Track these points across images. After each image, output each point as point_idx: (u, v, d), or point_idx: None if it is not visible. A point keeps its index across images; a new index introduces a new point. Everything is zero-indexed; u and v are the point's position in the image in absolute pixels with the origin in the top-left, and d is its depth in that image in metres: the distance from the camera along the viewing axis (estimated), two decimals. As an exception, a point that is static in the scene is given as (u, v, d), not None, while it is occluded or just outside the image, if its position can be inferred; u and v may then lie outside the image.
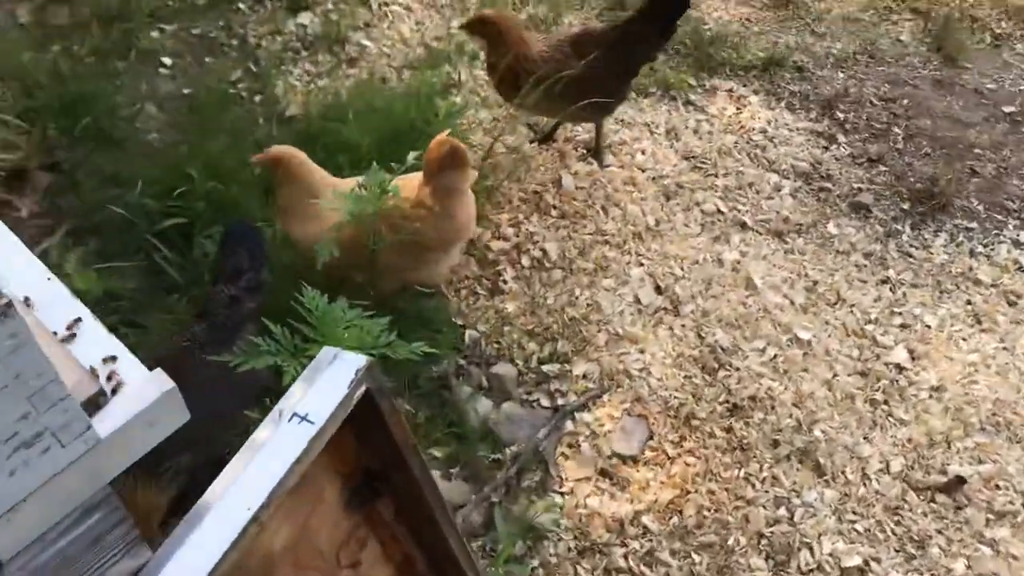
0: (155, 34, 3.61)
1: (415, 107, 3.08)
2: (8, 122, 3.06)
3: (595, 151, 3.14)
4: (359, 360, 1.49)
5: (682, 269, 2.81)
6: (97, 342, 1.21)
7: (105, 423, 1.13)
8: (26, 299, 1.24)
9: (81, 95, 3.12)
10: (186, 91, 3.37)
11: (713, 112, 3.40)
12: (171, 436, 1.22)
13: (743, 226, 2.99)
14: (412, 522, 1.77)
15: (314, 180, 2.36)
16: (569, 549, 2.26)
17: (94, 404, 1.14)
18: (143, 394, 1.17)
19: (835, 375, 2.59)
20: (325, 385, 1.47)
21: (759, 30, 3.91)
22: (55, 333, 1.21)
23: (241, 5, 3.79)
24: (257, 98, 3.39)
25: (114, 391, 1.17)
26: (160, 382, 1.18)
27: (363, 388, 1.48)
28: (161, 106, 3.33)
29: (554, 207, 2.96)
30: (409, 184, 2.32)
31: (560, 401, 2.52)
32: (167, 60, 3.53)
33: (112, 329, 2.58)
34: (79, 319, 1.24)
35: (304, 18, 3.71)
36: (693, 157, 3.20)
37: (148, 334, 2.48)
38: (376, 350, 1.91)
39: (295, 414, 1.43)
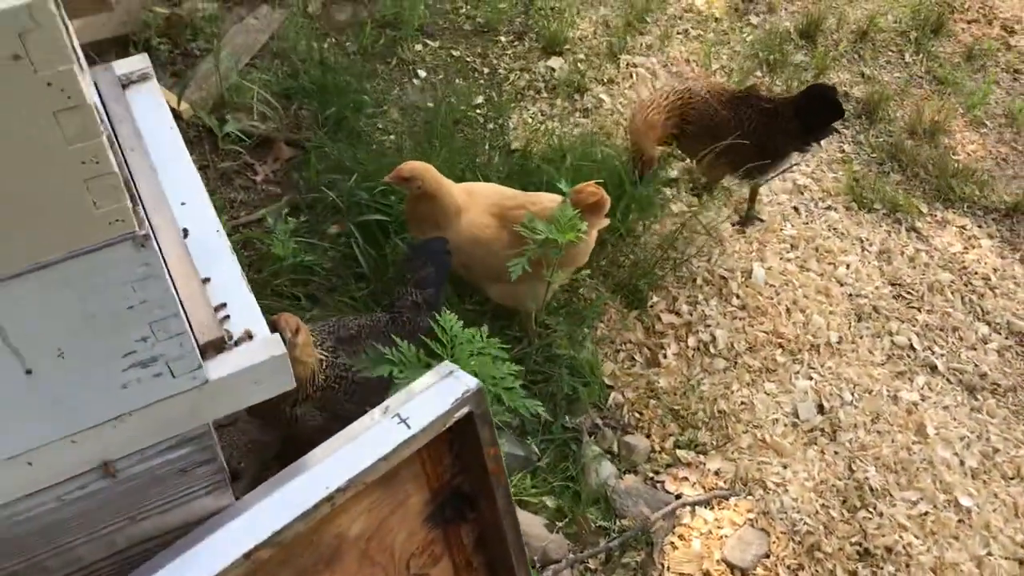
0: (418, 47, 3.86)
1: (627, 169, 3.10)
2: (269, 98, 3.37)
3: (745, 212, 3.14)
4: (471, 382, 1.53)
5: (852, 395, 2.65)
6: (235, 295, 1.30)
7: (217, 368, 1.22)
8: (184, 231, 1.36)
9: (337, 86, 3.39)
10: (430, 104, 3.57)
11: (936, 245, 3.19)
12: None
13: (933, 369, 2.77)
14: (489, 556, 1.77)
15: (447, 199, 2.44)
16: (649, 639, 2.17)
17: (213, 348, 1.23)
18: (258, 353, 1.25)
19: (989, 553, 2.34)
20: (432, 396, 1.51)
21: (1014, 173, 3.63)
22: (203, 278, 1.32)
23: (502, 39, 3.99)
24: (490, 125, 3.54)
25: (236, 342, 1.26)
26: (275, 347, 1.26)
27: (466, 410, 1.51)
28: (404, 112, 3.55)
29: (737, 296, 2.88)
30: (539, 204, 2.37)
31: (685, 490, 2.44)
32: (422, 72, 3.76)
33: (295, 299, 2.78)
34: (226, 270, 1.34)
35: (555, 62, 3.84)
36: (900, 285, 3.02)
37: (325, 310, 2.65)
38: (494, 388, 1.93)
39: (397, 415, 1.49)
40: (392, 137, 3.40)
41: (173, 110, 3.10)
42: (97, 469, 1.21)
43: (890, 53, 3.98)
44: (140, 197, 1.34)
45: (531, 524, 2.30)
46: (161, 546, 1.32)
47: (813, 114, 2.78)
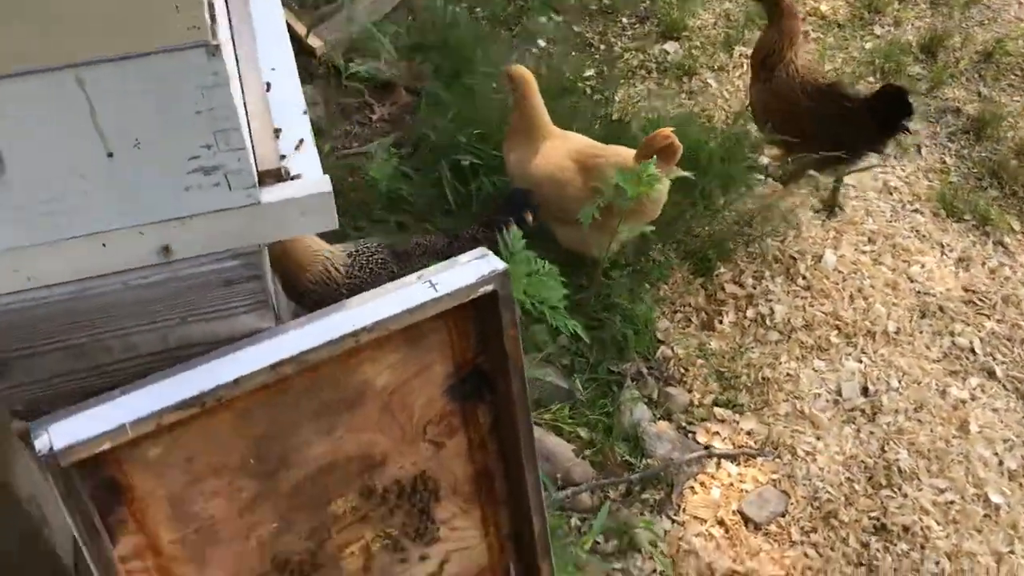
0: (543, 19, 4.04)
1: (723, 154, 3.17)
2: (395, 50, 3.61)
3: (827, 201, 3.18)
4: (499, 265, 1.67)
5: (899, 383, 2.65)
6: (300, 142, 1.49)
7: (271, 194, 1.40)
8: (267, 84, 1.55)
9: (459, 43, 3.60)
10: (543, 72, 3.74)
11: (1022, 262, 3.13)
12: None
13: (990, 374, 2.74)
14: (502, 442, 1.91)
15: (537, 112, 2.58)
16: (654, 571, 2.26)
17: (270, 177, 1.42)
18: (308, 188, 1.43)
19: (1012, 551, 2.31)
20: (463, 269, 1.66)
21: None
22: (275, 128, 1.51)
23: (624, 20, 4.12)
24: (596, 96, 3.68)
25: (291, 178, 1.44)
26: (325, 185, 1.43)
27: (491, 287, 1.65)
28: (516, 75, 3.73)
29: (803, 276, 2.92)
30: (619, 156, 2.49)
31: (715, 443, 2.51)
32: (541, 42, 3.93)
33: (384, 222, 2.97)
34: (298, 131, 1.51)
35: (670, 46, 3.94)
36: (973, 291, 2.98)
37: (402, 231, 2.85)
38: (540, 306, 2.06)
39: (429, 280, 1.64)
40: (500, 96, 3.58)
41: (301, 42, 3.39)
42: (158, 265, 1.41)
43: (1013, 77, 3.89)
44: (233, 38, 1.55)
45: (561, 447, 2.43)
46: (204, 352, 1.52)
47: (885, 113, 2.80)
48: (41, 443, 1.34)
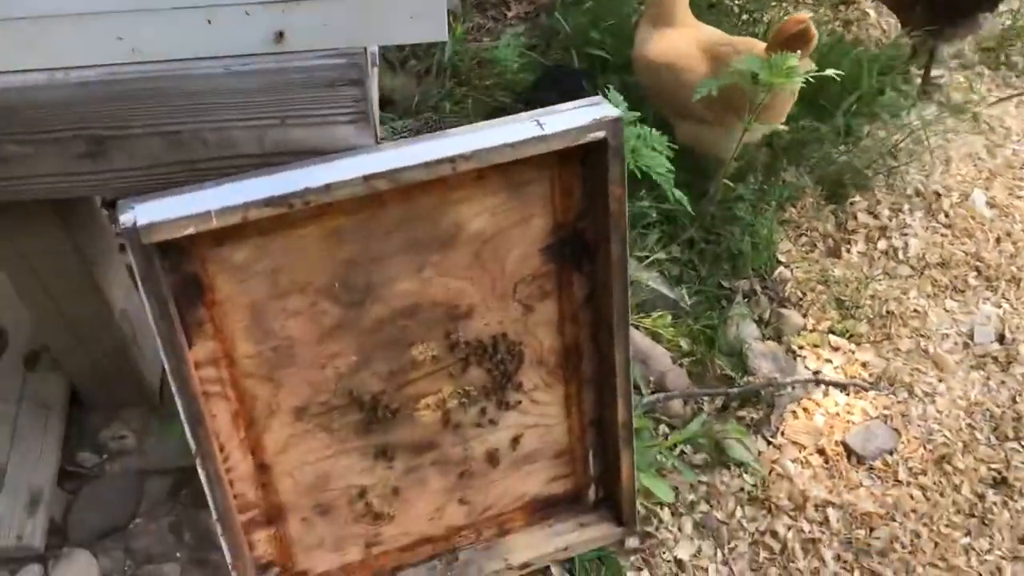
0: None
1: (875, 81, 2.94)
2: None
3: (923, 80, 3.08)
4: (613, 112, 1.56)
5: (1042, 334, 2.42)
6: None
7: (380, -5, 1.34)
8: None
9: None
10: None
11: None
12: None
13: None
14: (594, 318, 1.81)
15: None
16: (742, 489, 2.14)
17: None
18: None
19: None
20: (574, 113, 1.57)
21: None
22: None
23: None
24: (744, 16, 3.47)
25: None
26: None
27: (602, 134, 1.55)
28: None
29: (945, 214, 2.68)
30: (747, 45, 2.36)
31: (825, 370, 2.35)
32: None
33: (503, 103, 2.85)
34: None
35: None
36: None
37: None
38: (647, 169, 1.94)
39: (536, 120, 1.55)
40: (642, 7, 3.43)
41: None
42: (264, 55, 1.37)
43: None
44: None
45: (657, 351, 2.32)
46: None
47: None
48: (126, 218, 1.32)
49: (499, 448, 1.89)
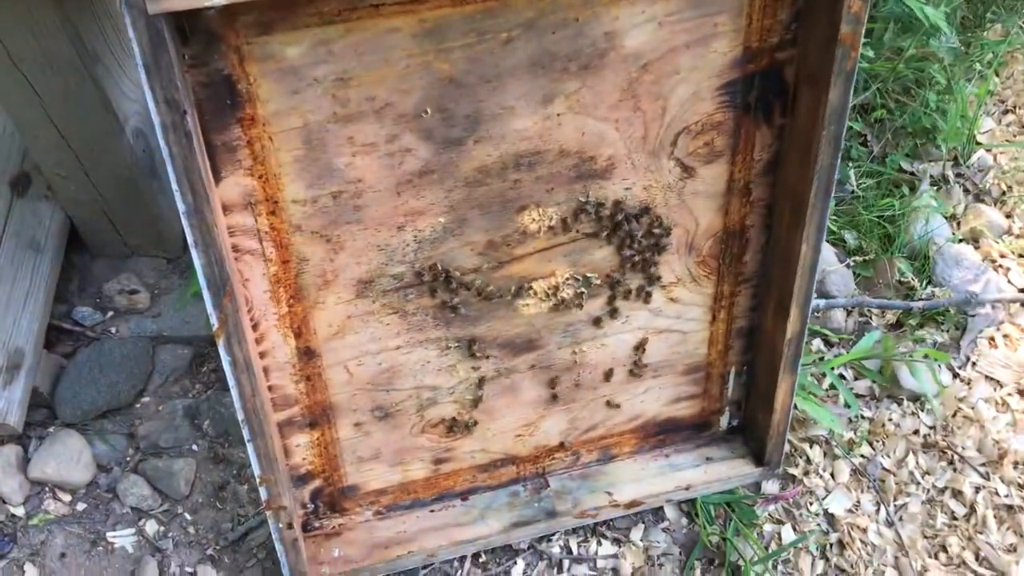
0: None
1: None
2: None
3: None
4: None
5: None
6: None
7: None
8: None
9: None
10: None
11: None
12: None
13: None
14: (775, 194, 1.36)
15: None
16: (916, 432, 1.72)
17: None
18: None
19: None
20: None
21: None
22: None
23: None
24: None
25: None
26: None
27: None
28: None
29: None
30: None
31: (1037, 294, 1.88)
32: None
33: None
34: None
35: None
36: None
37: None
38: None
39: None
40: None
41: None
42: None
43: None
44: None
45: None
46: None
47: None
48: (125, -30, 0.87)
49: (617, 355, 1.47)
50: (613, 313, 1.42)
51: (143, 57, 0.93)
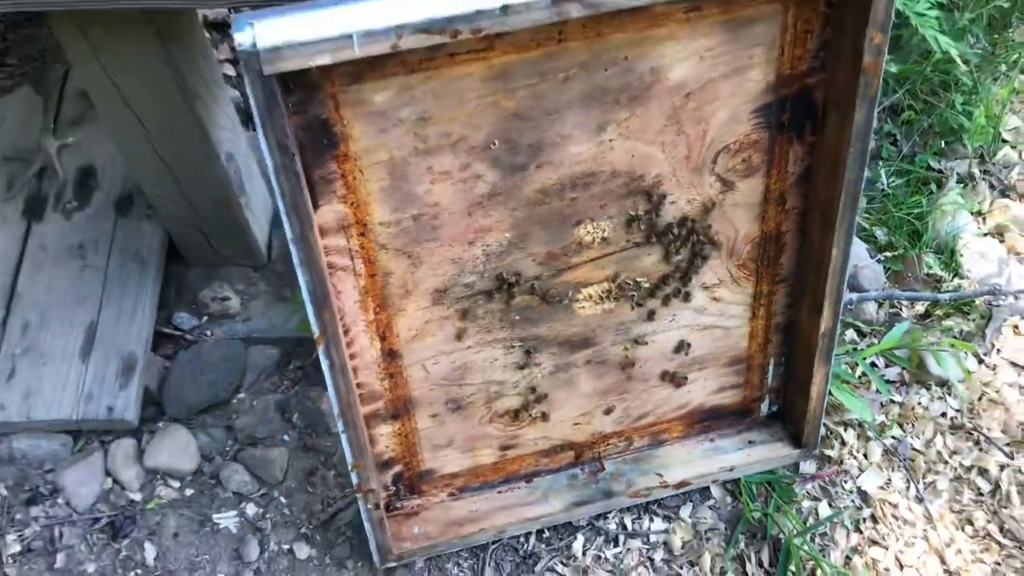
0: None
1: None
2: None
3: None
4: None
5: None
6: None
7: None
8: None
9: None
10: None
11: None
12: None
13: None
14: (807, 204, 1.48)
15: None
16: (943, 414, 1.83)
17: None
18: None
19: None
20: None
21: None
22: None
23: None
24: None
25: None
26: None
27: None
28: None
29: None
30: None
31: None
32: None
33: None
34: None
35: None
36: None
37: None
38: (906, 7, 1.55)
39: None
40: None
41: None
42: None
43: None
44: None
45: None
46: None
47: None
48: (243, 38, 1.03)
49: (665, 351, 1.61)
50: (661, 312, 1.56)
51: (258, 110, 1.08)
